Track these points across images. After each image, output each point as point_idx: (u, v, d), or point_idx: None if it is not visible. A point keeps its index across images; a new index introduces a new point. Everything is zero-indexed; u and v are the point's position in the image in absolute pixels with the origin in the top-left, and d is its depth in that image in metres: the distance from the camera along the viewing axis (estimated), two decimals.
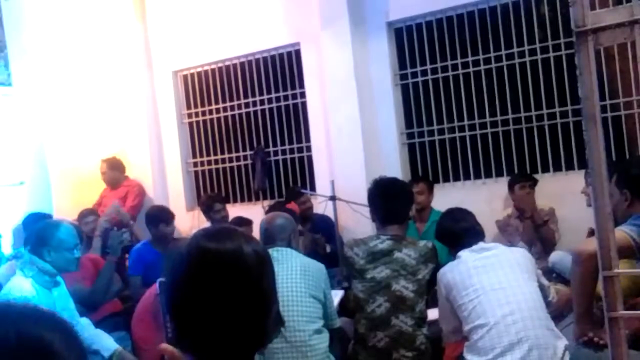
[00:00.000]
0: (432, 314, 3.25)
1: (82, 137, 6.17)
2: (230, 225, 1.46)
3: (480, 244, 3.02)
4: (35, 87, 5.22)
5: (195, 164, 6.61)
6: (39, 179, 5.16)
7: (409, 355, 3.08)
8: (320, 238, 4.92)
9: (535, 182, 4.70)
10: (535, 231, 4.51)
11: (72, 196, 5.95)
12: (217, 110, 6.40)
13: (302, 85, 5.82)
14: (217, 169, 6.48)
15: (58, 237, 3.09)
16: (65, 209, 5.57)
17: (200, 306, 1.20)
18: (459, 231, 3.07)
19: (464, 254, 2.98)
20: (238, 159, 6.33)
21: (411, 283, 3.12)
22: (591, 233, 3.18)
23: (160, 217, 4.86)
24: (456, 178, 5.34)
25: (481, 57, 5.14)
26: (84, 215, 5.35)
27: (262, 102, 6.12)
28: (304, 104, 5.83)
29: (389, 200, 3.29)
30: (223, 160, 6.43)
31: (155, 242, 4.80)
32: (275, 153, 6.08)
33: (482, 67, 5.15)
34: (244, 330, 1.21)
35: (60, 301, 3.15)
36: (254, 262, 1.24)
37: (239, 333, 1.21)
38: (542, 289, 2.93)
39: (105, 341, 3.35)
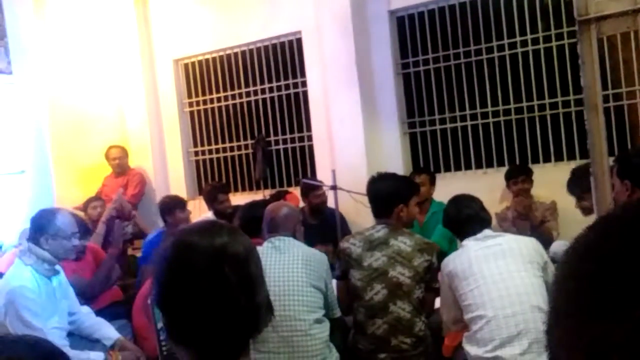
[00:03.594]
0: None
1: (83, 126, 6.16)
2: (216, 220, 1.48)
3: (486, 232, 2.97)
4: (35, 75, 5.20)
5: (196, 153, 6.60)
6: (40, 167, 5.14)
7: (408, 341, 3.09)
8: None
9: (530, 173, 4.64)
10: (532, 231, 4.44)
11: (73, 185, 5.96)
12: (218, 99, 6.38)
13: (303, 74, 5.79)
14: (218, 158, 6.47)
15: (55, 225, 3.09)
16: (67, 198, 5.57)
17: (184, 301, 1.22)
18: (463, 218, 3.04)
19: (468, 242, 2.96)
20: (239, 148, 6.32)
21: (407, 269, 3.12)
22: None
23: (175, 204, 4.81)
24: (457, 168, 5.33)
25: (483, 46, 5.11)
26: (90, 200, 5.39)
27: (263, 91, 6.09)
28: (305, 93, 5.81)
29: (376, 201, 3.31)
30: (224, 150, 6.42)
31: (170, 231, 4.74)
32: (277, 142, 6.06)
33: (484, 56, 5.12)
34: (231, 323, 1.23)
35: (60, 290, 3.15)
36: (239, 256, 1.24)
37: (225, 326, 1.23)
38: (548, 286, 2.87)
39: (106, 330, 3.36)
